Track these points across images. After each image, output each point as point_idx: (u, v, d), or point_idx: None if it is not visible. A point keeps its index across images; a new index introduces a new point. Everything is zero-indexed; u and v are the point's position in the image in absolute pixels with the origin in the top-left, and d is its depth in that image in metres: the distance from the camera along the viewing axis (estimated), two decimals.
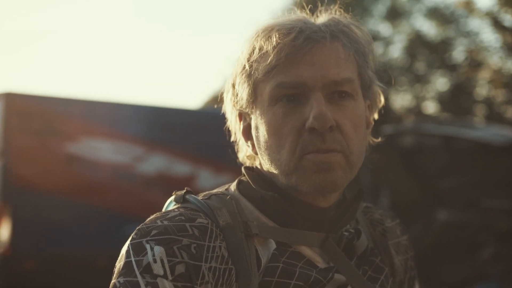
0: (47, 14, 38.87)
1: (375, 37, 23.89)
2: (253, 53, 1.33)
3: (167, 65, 41.49)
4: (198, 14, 41.04)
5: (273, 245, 1.30)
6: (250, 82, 1.34)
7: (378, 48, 24.13)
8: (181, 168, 9.01)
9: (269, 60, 1.30)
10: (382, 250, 1.49)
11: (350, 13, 1.43)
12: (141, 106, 9.26)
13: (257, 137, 1.36)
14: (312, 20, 1.37)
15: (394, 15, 23.96)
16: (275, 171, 1.33)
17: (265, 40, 1.31)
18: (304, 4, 1.46)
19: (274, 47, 1.29)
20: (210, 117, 8.69)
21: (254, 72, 1.33)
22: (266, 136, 1.32)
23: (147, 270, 1.16)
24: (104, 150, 8.42)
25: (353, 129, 1.30)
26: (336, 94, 1.30)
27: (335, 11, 1.42)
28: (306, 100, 1.28)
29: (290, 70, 1.29)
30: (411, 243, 1.62)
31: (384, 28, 24.60)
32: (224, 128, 1.49)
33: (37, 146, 7.95)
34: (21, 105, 7.94)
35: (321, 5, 1.42)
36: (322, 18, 1.38)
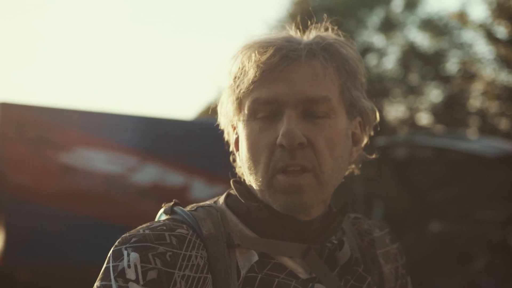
0: (41, 24, 38.89)
1: (369, 48, 23.98)
2: (236, 69, 1.38)
3: (161, 75, 41.50)
4: (193, 25, 41.12)
5: (255, 257, 1.33)
6: (234, 97, 1.38)
7: (372, 60, 24.21)
8: (174, 178, 9.02)
9: (248, 77, 1.34)
10: (369, 260, 1.51)
11: (340, 30, 1.46)
12: (135, 116, 9.29)
13: (241, 150, 1.40)
14: (299, 37, 1.40)
15: (388, 26, 24.07)
16: (253, 185, 1.37)
17: (246, 58, 1.35)
18: (299, 16, 1.49)
19: (252, 65, 1.33)
20: (204, 128, 8.70)
21: (237, 88, 1.37)
22: (245, 151, 1.36)
23: (121, 274, 1.21)
24: (98, 160, 8.42)
25: (327, 147, 1.32)
26: (311, 111, 1.32)
27: (325, 27, 1.44)
28: (280, 116, 1.32)
29: (266, 87, 1.32)
30: (402, 251, 1.64)
31: (378, 40, 24.72)
32: (218, 138, 1.52)
33: (32, 155, 7.95)
34: (16, 115, 7.95)
35: (315, 18, 1.45)
36: (309, 35, 1.42)
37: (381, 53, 24.39)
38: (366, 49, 23.79)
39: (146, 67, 39.76)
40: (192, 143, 8.96)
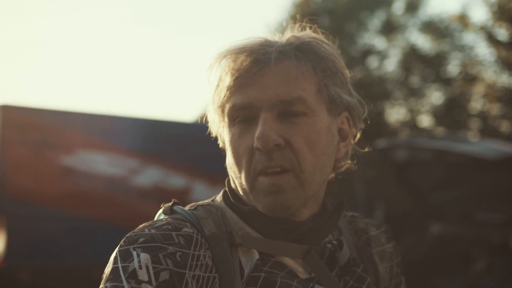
0: (41, 24, 38.93)
1: (370, 50, 23.98)
2: (213, 78, 1.40)
3: (162, 77, 41.49)
4: (194, 27, 41.13)
5: (256, 255, 1.33)
6: (216, 105, 1.40)
7: (373, 62, 24.21)
8: (176, 180, 9.02)
9: (225, 84, 1.36)
10: (365, 259, 1.53)
11: (341, 32, 1.47)
12: (136, 119, 9.29)
13: (227, 156, 1.42)
14: (275, 39, 1.41)
15: (389, 29, 24.06)
16: (239, 189, 1.39)
17: (220, 66, 1.38)
18: (297, 17, 1.51)
19: (227, 72, 1.36)
20: (205, 130, 8.68)
21: (217, 96, 1.39)
22: (229, 156, 1.39)
23: (132, 276, 1.20)
24: (100, 163, 8.43)
25: (306, 146, 1.33)
26: (287, 112, 1.33)
27: (302, 27, 1.46)
28: (257, 120, 1.33)
29: (240, 93, 1.34)
30: (397, 250, 1.65)
31: (379, 42, 24.69)
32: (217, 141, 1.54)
33: (33, 158, 7.96)
34: (18, 118, 7.96)
35: (312, 20, 1.46)
36: (284, 36, 1.42)
37: (382, 56, 24.37)
38: (367, 52, 23.79)
39: (148, 69, 39.77)
40: (193, 145, 8.95)
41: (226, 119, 1.38)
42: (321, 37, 1.44)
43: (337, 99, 1.41)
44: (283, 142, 1.31)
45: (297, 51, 1.37)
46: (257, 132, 1.30)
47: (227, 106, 1.36)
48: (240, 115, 1.35)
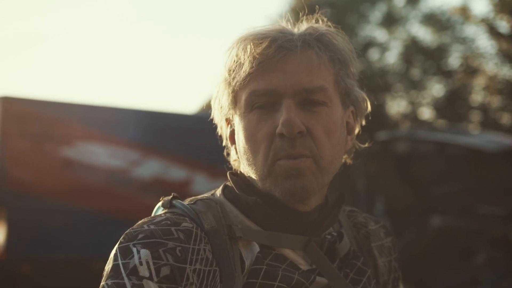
0: (45, 18, 38.88)
1: (371, 43, 23.94)
2: (231, 62, 1.38)
3: (163, 69, 41.46)
4: (195, 19, 41.07)
5: (256, 248, 1.34)
6: (230, 90, 1.39)
7: (374, 54, 24.19)
8: (176, 172, 9.02)
9: (244, 69, 1.34)
10: (365, 252, 1.54)
11: (342, 24, 1.46)
12: (137, 110, 9.27)
13: (238, 142, 1.41)
14: (292, 29, 1.41)
15: (390, 21, 24.03)
16: (253, 176, 1.38)
17: (241, 50, 1.36)
18: (299, 8, 1.50)
19: (248, 56, 1.34)
20: (206, 122, 8.66)
21: (232, 80, 1.37)
22: (243, 142, 1.37)
23: (133, 272, 1.20)
24: (100, 155, 8.42)
25: (325, 135, 1.34)
26: (308, 101, 1.33)
27: (316, 19, 1.45)
28: (278, 106, 1.33)
29: (262, 78, 1.33)
30: (396, 245, 1.66)
31: (380, 34, 24.67)
32: (217, 133, 1.53)
33: (33, 150, 7.94)
34: (18, 109, 7.94)
35: (315, 11, 1.46)
36: (301, 27, 1.42)
37: (383, 48, 24.35)
38: (368, 44, 23.76)
39: (148, 61, 39.74)
40: (194, 137, 8.93)
41: (242, 104, 1.37)
42: (334, 30, 1.44)
43: (350, 91, 1.42)
44: (305, 130, 1.32)
45: (317, 41, 1.38)
46: (283, 118, 1.30)
47: (246, 92, 1.36)
48: (260, 101, 1.34)
